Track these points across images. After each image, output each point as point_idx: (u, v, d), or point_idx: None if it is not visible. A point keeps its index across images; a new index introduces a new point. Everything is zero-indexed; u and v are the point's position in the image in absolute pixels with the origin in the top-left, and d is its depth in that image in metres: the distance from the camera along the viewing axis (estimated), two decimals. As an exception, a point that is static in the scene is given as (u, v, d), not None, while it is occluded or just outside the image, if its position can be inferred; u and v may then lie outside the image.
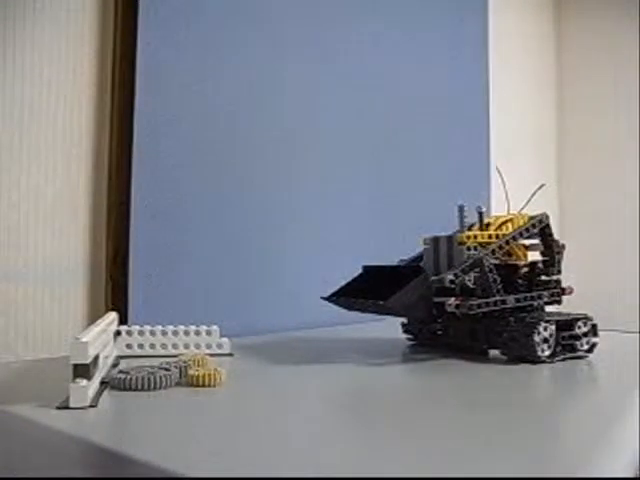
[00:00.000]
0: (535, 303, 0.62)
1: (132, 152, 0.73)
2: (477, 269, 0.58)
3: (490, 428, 0.37)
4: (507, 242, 0.61)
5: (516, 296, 0.60)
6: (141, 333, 0.61)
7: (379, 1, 1.10)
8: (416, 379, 0.54)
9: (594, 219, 1.73)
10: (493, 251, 0.60)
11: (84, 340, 0.40)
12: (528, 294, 0.61)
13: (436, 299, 0.59)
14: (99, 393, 0.43)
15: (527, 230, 0.63)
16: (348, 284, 0.66)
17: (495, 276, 0.58)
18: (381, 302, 0.56)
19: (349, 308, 0.64)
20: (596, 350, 0.61)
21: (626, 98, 1.68)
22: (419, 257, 0.69)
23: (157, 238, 0.75)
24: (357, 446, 0.33)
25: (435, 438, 0.35)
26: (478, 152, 1.35)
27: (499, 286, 0.59)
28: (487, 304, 0.57)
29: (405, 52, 1.15)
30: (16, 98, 0.66)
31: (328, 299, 0.64)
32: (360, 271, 0.67)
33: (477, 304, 0.57)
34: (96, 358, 0.44)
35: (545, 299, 0.63)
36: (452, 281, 0.56)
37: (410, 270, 0.61)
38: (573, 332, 0.60)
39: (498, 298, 0.58)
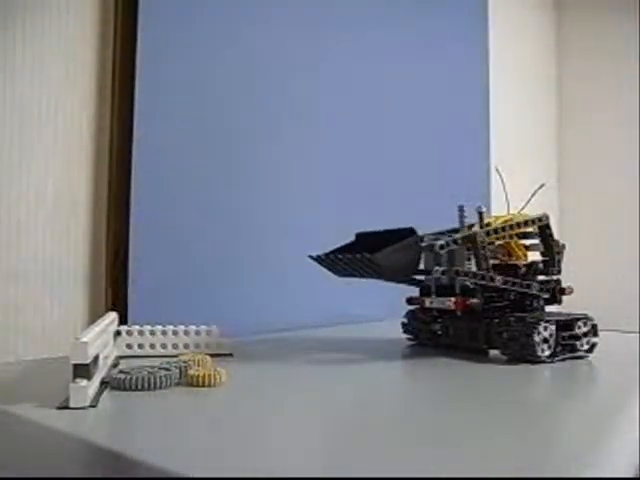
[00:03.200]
0: (525, 290, 0.61)
1: (132, 152, 0.73)
2: (469, 245, 0.58)
3: (490, 428, 0.37)
4: (504, 228, 0.61)
5: (506, 278, 0.60)
6: (141, 333, 0.61)
7: (379, 2, 1.10)
8: (416, 379, 0.54)
9: (594, 219, 1.73)
10: (488, 232, 0.60)
11: (84, 340, 0.40)
12: (517, 280, 0.61)
13: (436, 299, 0.59)
14: (99, 393, 0.43)
15: (526, 223, 0.63)
16: (338, 249, 0.64)
17: (487, 253, 0.58)
18: (368, 255, 0.55)
19: (336, 270, 0.62)
20: (596, 350, 0.61)
21: (627, 98, 1.68)
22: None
23: (157, 238, 0.75)
24: (357, 446, 0.33)
25: (435, 438, 0.35)
26: (478, 152, 1.35)
27: (490, 265, 0.58)
28: (474, 275, 0.57)
29: (405, 52, 1.15)
30: (16, 98, 0.66)
31: (315, 259, 0.63)
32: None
33: (464, 272, 0.57)
34: (96, 358, 0.44)
35: (535, 290, 0.62)
36: (442, 246, 0.56)
37: (402, 232, 0.60)
38: (573, 332, 0.60)
39: (488, 274, 0.58)
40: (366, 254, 0.55)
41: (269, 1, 0.90)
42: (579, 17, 1.81)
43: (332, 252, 0.63)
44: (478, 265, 0.58)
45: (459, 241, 0.57)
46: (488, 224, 0.65)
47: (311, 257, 0.63)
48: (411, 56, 1.16)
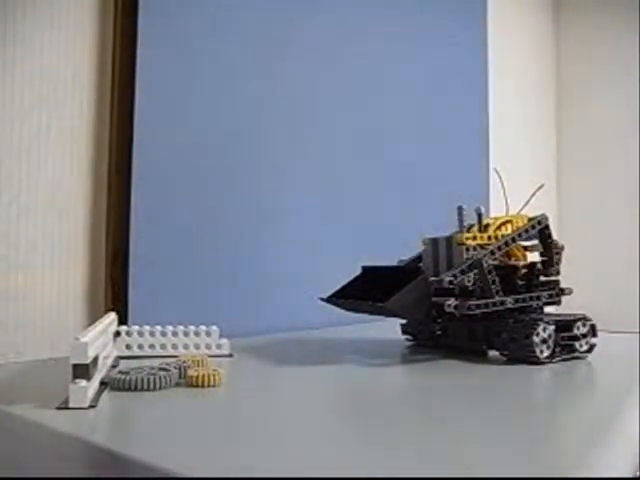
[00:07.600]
0: (534, 304, 0.62)
1: (132, 152, 0.73)
2: (476, 270, 0.58)
3: (489, 428, 0.37)
4: (506, 243, 0.61)
5: (515, 297, 0.60)
6: (141, 333, 0.61)
7: (378, 6, 1.10)
8: (415, 379, 0.54)
9: (594, 219, 1.73)
10: (492, 252, 0.60)
11: (84, 340, 0.40)
12: (527, 295, 0.61)
13: (435, 300, 0.59)
14: (99, 393, 0.43)
15: (526, 231, 0.63)
16: (347, 285, 0.66)
17: (494, 277, 0.58)
18: (380, 304, 0.56)
19: (348, 309, 0.64)
20: (595, 350, 0.61)
21: (626, 99, 1.68)
22: (418, 258, 0.69)
23: (157, 238, 0.75)
24: (356, 446, 0.33)
25: (434, 438, 0.35)
26: (477, 153, 1.35)
27: (498, 287, 0.59)
28: (486, 305, 0.58)
29: (405, 53, 1.15)
30: (16, 98, 0.66)
31: (327, 300, 0.64)
32: (359, 272, 0.67)
33: (476, 305, 0.57)
34: (96, 358, 0.44)
35: (544, 300, 0.63)
36: (451, 282, 0.56)
37: (409, 271, 0.61)
38: (572, 333, 0.60)
39: (497, 299, 0.58)
40: (378, 304, 0.56)
41: (272, 4, 0.90)
42: (578, 18, 1.82)
43: (341, 291, 0.65)
44: (487, 291, 0.58)
45: (465, 270, 0.58)
46: (487, 225, 0.65)
47: (322, 299, 0.64)
48: (411, 57, 1.16)
